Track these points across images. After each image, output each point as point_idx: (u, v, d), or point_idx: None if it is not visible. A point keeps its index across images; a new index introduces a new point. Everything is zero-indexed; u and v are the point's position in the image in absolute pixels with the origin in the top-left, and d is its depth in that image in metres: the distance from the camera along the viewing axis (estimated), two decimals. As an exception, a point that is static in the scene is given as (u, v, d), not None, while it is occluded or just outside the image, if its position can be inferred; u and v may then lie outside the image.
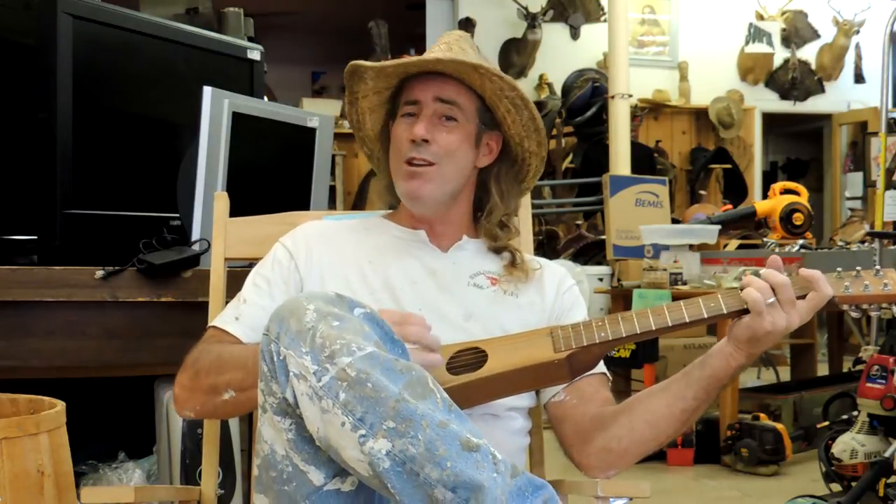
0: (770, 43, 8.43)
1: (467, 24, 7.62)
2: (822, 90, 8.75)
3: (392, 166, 1.53)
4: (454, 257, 1.55)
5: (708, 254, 4.84)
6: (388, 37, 8.17)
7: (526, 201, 1.73)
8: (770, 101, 8.65)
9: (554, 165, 7.29)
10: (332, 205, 7.25)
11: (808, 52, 8.69)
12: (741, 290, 1.34)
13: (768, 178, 9.17)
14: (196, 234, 2.02)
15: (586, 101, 7.09)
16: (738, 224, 6.02)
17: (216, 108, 2.04)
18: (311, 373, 1.15)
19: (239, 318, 1.47)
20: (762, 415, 4.11)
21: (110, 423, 2.36)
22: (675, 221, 6.09)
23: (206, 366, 1.39)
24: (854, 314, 1.39)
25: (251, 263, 1.59)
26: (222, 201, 1.72)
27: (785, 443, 3.92)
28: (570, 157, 7.39)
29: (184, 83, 2.26)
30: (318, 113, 2.41)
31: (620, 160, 6.09)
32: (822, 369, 5.71)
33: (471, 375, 1.34)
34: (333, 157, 6.42)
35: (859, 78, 8.73)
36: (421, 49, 6.43)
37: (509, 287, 1.54)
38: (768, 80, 8.60)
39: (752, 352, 1.36)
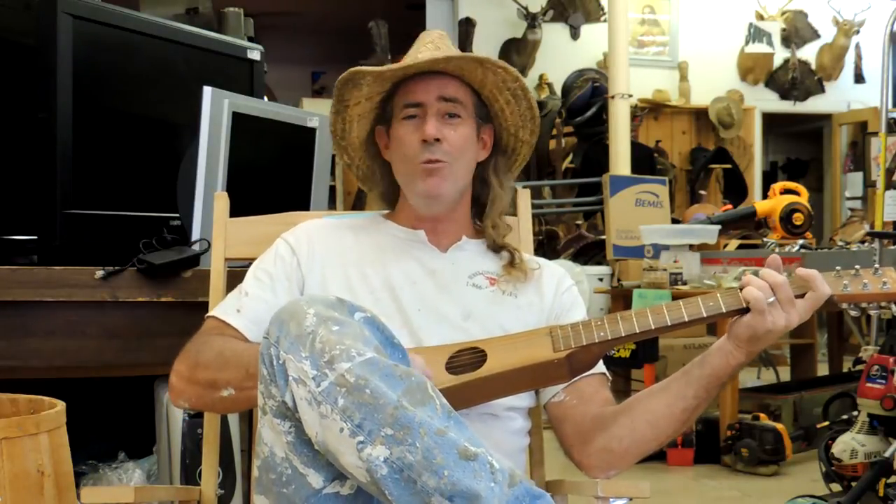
0: (770, 43, 8.44)
1: (467, 24, 7.62)
2: (822, 90, 8.75)
3: (401, 170, 1.53)
4: (453, 257, 1.55)
5: (708, 254, 4.84)
6: (388, 37, 8.16)
7: (526, 202, 1.74)
8: (770, 101, 8.66)
9: (554, 165, 7.29)
10: (332, 205, 7.25)
11: (808, 52, 8.70)
12: (740, 289, 1.34)
13: (768, 178, 9.18)
14: (196, 234, 2.02)
15: (586, 101, 7.09)
16: (738, 224, 6.02)
17: (216, 108, 2.04)
18: (311, 378, 1.14)
19: (241, 311, 1.47)
20: (762, 415, 4.11)
21: (110, 423, 2.36)
22: (675, 221, 6.09)
23: (206, 360, 1.39)
24: (853, 313, 1.40)
25: (251, 263, 1.59)
26: (222, 201, 1.72)
27: (785, 443, 3.92)
28: (570, 157, 7.39)
29: (184, 83, 2.26)
30: (318, 113, 2.41)
31: (620, 160, 6.09)
32: (822, 369, 5.71)
33: (470, 375, 1.34)
34: (333, 157, 6.41)
35: (859, 78, 8.73)
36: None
37: (508, 287, 1.54)
38: (768, 80, 8.60)
39: (752, 350, 1.36)
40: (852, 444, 3.16)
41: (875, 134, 5.22)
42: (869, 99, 8.20)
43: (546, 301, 1.55)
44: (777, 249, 4.97)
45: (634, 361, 4.40)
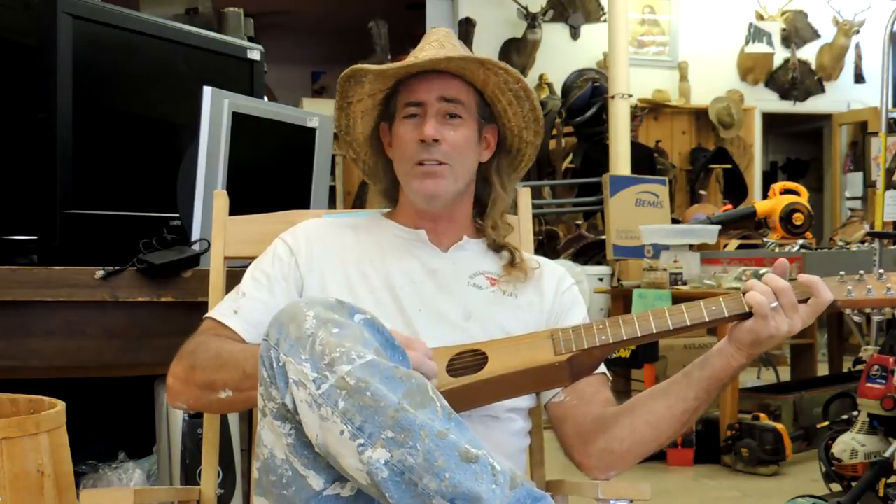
0: (770, 43, 8.44)
1: (467, 24, 7.62)
2: (822, 90, 8.75)
3: (400, 169, 1.52)
4: (454, 257, 1.55)
5: (708, 254, 4.84)
6: (388, 37, 8.16)
7: (526, 201, 1.74)
8: (770, 101, 8.66)
9: (554, 165, 7.29)
10: (332, 205, 7.25)
11: (808, 52, 8.70)
12: (743, 293, 1.34)
13: (768, 178, 9.18)
14: (196, 234, 2.01)
15: (586, 101, 7.09)
16: (738, 224, 6.02)
17: (216, 108, 2.04)
18: (311, 380, 1.14)
19: (238, 312, 1.47)
20: (762, 415, 4.11)
21: (110, 423, 2.36)
22: (675, 221, 6.09)
23: (204, 361, 1.39)
24: (856, 318, 1.39)
25: (251, 263, 1.59)
26: (221, 199, 1.71)
27: (785, 443, 3.92)
28: (570, 157, 7.39)
29: (184, 83, 2.26)
30: (318, 113, 2.41)
31: (620, 160, 6.09)
32: (822, 369, 5.71)
33: (471, 377, 1.34)
34: (333, 157, 6.41)
35: (859, 78, 8.73)
36: (421, 49, 6.40)
37: (508, 287, 1.54)
38: (768, 80, 8.60)
39: (754, 353, 1.36)
40: (852, 444, 3.16)
41: (875, 134, 5.22)
42: (869, 99, 8.20)
43: (546, 301, 1.55)
44: (777, 249, 4.97)
45: (634, 362, 4.41)
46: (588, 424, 1.46)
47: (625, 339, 1.35)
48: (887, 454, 2.99)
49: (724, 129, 8.24)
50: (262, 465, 1.24)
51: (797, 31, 8.63)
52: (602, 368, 1.52)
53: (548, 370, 1.35)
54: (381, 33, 8.13)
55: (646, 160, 6.94)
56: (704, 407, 1.42)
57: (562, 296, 1.57)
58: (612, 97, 6.19)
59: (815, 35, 8.66)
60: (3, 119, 2.15)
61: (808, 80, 8.68)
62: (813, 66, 8.69)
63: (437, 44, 1.50)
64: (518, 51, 7.76)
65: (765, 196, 6.59)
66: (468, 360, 1.37)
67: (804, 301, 1.33)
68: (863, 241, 5.43)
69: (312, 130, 2.35)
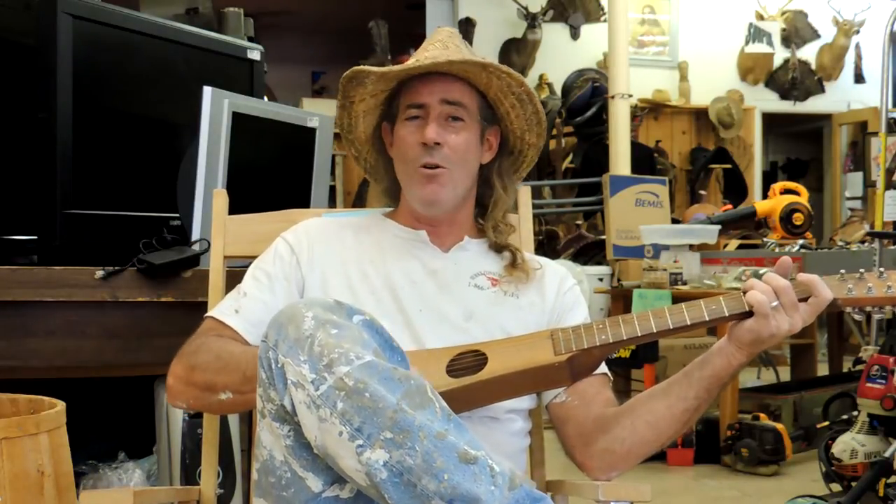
0: (770, 43, 8.44)
1: (467, 24, 7.62)
2: (822, 90, 8.75)
3: (402, 170, 1.52)
4: (455, 257, 1.55)
5: (708, 254, 4.84)
6: (388, 37, 8.17)
7: (527, 200, 1.74)
8: (770, 101, 8.66)
9: (554, 165, 7.29)
10: (332, 205, 7.25)
11: (808, 52, 8.70)
12: (743, 293, 1.34)
13: (768, 178, 9.18)
14: (196, 233, 2.01)
15: (586, 101, 7.09)
16: (738, 224, 6.02)
17: (216, 108, 2.04)
18: (309, 381, 1.14)
19: (239, 312, 1.46)
20: (762, 415, 4.11)
21: (110, 423, 2.36)
22: (675, 221, 6.09)
23: (204, 362, 1.39)
24: (857, 317, 1.39)
25: (251, 262, 1.59)
26: (221, 198, 1.71)
27: (785, 443, 3.92)
28: (570, 157, 7.39)
29: (184, 83, 2.26)
30: (318, 113, 2.41)
31: (620, 160, 6.09)
32: (822, 369, 5.71)
33: (471, 378, 1.34)
34: (333, 157, 6.42)
35: (859, 78, 8.73)
36: (421, 49, 6.40)
37: (510, 288, 1.53)
38: (768, 80, 8.60)
39: (754, 351, 1.36)
40: (852, 444, 3.16)
41: (875, 134, 5.22)
42: (869, 99, 8.20)
43: (548, 301, 1.55)
44: (777, 249, 4.97)
45: (634, 362, 4.41)
46: (589, 425, 1.46)
47: (625, 338, 1.35)
48: (887, 454, 2.99)
49: (724, 129, 8.24)
50: (261, 467, 1.23)
51: (797, 31, 8.63)
52: (603, 369, 1.52)
53: (548, 370, 1.35)
54: (381, 33, 8.13)
55: (646, 160, 6.94)
56: (705, 406, 1.42)
57: (563, 296, 1.57)
58: (612, 97, 6.19)
59: (815, 35, 8.66)
60: (3, 119, 2.15)
61: (808, 80, 8.68)
62: (813, 66, 8.69)
63: (440, 44, 1.50)
64: (518, 51, 7.76)
65: (765, 196, 6.59)
66: (468, 360, 1.37)
67: (804, 300, 1.33)
68: (863, 241, 5.43)
69: (312, 130, 2.35)
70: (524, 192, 1.73)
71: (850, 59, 8.69)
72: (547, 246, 6.68)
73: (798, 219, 5.32)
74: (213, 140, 2.04)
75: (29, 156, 2.03)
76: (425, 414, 1.13)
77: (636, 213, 5.48)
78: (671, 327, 1.35)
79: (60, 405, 1.60)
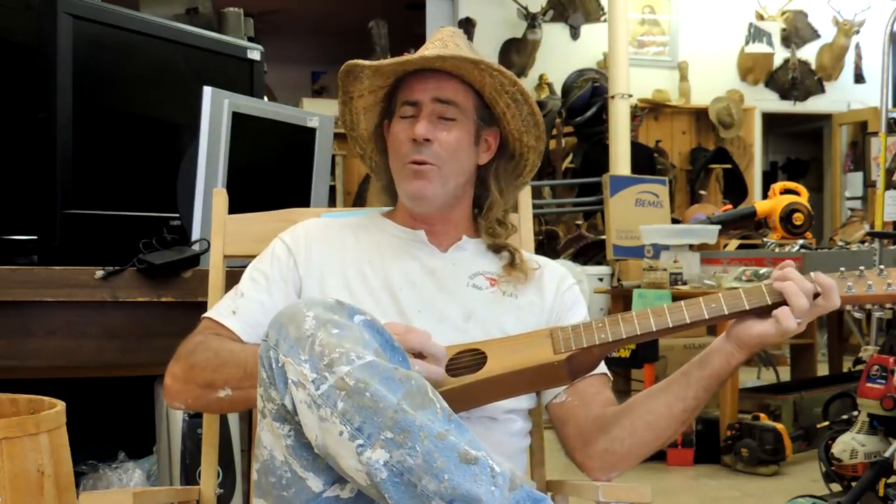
0: (770, 43, 8.44)
1: (467, 24, 7.62)
2: (822, 90, 8.75)
3: (393, 167, 1.52)
4: (453, 257, 1.55)
5: (708, 254, 4.84)
6: (388, 37, 8.17)
7: (527, 200, 1.73)
8: (770, 101, 8.66)
9: (554, 165, 7.29)
10: (331, 205, 7.25)
11: (808, 52, 8.70)
12: (771, 283, 1.32)
13: (768, 178, 9.18)
14: (196, 233, 2.01)
15: (586, 101, 7.09)
16: (738, 224, 6.02)
17: (216, 108, 2.04)
18: (310, 381, 1.14)
19: (236, 313, 1.46)
20: (762, 415, 4.11)
21: (110, 423, 2.36)
22: (675, 221, 6.09)
23: (203, 361, 1.39)
24: (857, 314, 1.39)
25: (250, 262, 1.58)
26: (221, 198, 1.71)
27: (785, 443, 3.92)
28: (570, 157, 7.39)
29: (184, 83, 2.26)
30: (318, 113, 2.41)
31: (620, 160, 6.09)
32: (822, 369, 5.71)
33: (470, 377, 1.34)
34: (333, 157, 6.42)
35: (859, 78, 8.73)
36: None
37: (508, 288, 1.53)
38: (768, 80, 8.60)
39: (754, 350, 1.36)
40: (852, 444, 3.16)
41: (875, 134, 5.22)
42: (869, 99, 8.20)
43: (547, 301, 1.55)
44: (777, 249, 4.97)
45: (634, 361, 4.40)
46: (589, 425, 1.46)
47: (624, 337, 1.35)
48: (887, 454, 2.99)
49: (724, 129, 8.25)
50: (261, 467, 1.23)
51: (797, 31, 8.63)
52: (603, 368, 1.51)
53: (547, 369, 1.35)
54: (381, 33, 8.14)
55: (646, 160, 6.95)
56: (703, 405, 1.42)
57: (562, 295, 1.57)
58: (612, 97, 6.19)
59: (815, 35, 8.67)
60: (3, 119, 2.15)
61: (808, 80, 8.68)
62: (813, 66, 8.69)
63: (440, 43, 1.50)
64: (518, 51, 7.76)
65: (765, 196, 6.59)
66: (467, 359, 1.37)
67: None
68: (863, 241, 5.43)
69: (312, 130, 2.35)
70: (524, 193, 1.73)
71: (850, 59, 8.69)
72: (547, 246, 6.68)
73: (798, 219, 5.32)
74: (213, 140, 2.04)
75: (29, 156, 2.03)
76: (426, 414, 1.13)
77: (636, 213, 5.48)
78: (670, 325, 1.35)
79: (60, 405, 1.60)
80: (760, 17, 8.48)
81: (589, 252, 6.41)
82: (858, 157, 8.42)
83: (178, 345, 1.44)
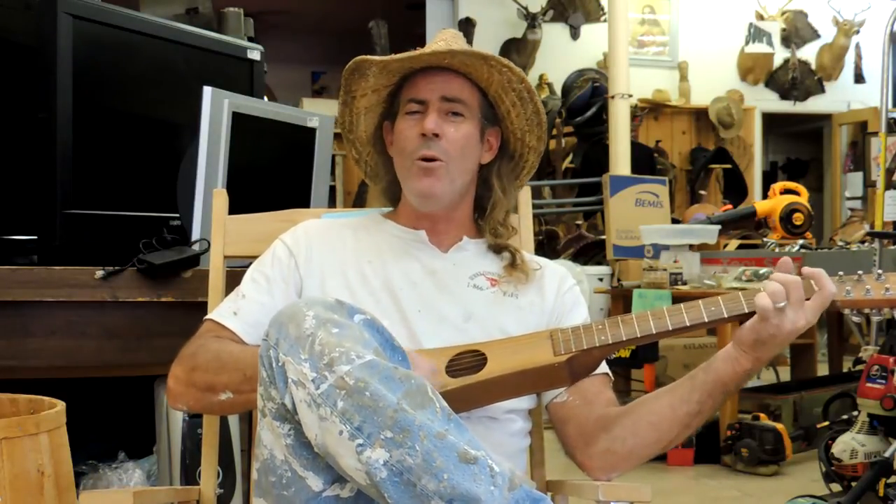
0: (770, 43, 8.44)
1: (467, 24, 7.62)
2: (822, 90, 8.75)
3: (400, 165, 1.52)
4: (454, 258, 1.54)
5: (708, 254, 4.84)
6: (388, 37, 8.17)
7: (527, 201, 1.73)
8: (770, 101, 8.66)
9: (554, 165, 7.29)
10: (332, 205, 7.25)
11: (808, 52, 8.70)
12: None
13: (768, 178, 9.18)
14: (196, 233, 2.01)
15: (586, 101, 7.09)
16: (738, 224, 6.02)
17: (216, 108, 2.04)
18: (310, 380, 1.14)
19: (237, 314, 1.47)
20: (762, 415, 4.11)
21: (110, 423, 2.36)
22: (675, 221, 6.09)
23: (204, 363, 1.39)
24: (855, 319, 1.39)
25: (251, 262, 1.59)
26: (221, 198, 1.71)
27: (785, 443, 3.92)
28: (570, 157, 7.39)
29: (184, 83, 2.26)
30: (318, 113, 2.41)
31: (620, 160, 6.09)
32: (822, 369, 5.71)
33: (470, 378, 1.34)
34: (333, 157, 6.42)
35: (859, 78, 8.73)
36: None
37: (509, 288, 1.53)
38: (768, 80, 8.60)
39: (759, 356, 1.33)
40: (852, 444, 3.16)
41: (875, 134, 5.22)
42: (869, 99, 8.20)
43: (548, 301, 1.55)
44: (777, 249, 4.97)
45: (634, 361, 4.41)
46: (590, 425, 1.45)
47: (624, 339, 1.35)
48: (887, 454, 2.99)
49: (724, 129, 8.25)
50: (261, 466, 1.24)
51: (797, 31, 8.63)
52: (604, 368, 1.51)
53: (547, 371, 1.35)
54: (381, 33, 8.13)
55: (646, 160, 6.95)
56: (708, 412, 1.40)
57: (563, 296, 1.56)
58: (612, 97, 6.19)
59: (815, 35, 8.66)
60: (3, 119, 2.15)
61: (808, 80, 8.68)
62: (813, 66, 8.69)
63: (443, 43, 1.50)
64: (518, 51, 7.76)
65: (765, 196, 6.59)
66: (467, 360, 1.37)
67: (807, 298, 1.32)
68: (863, 241, 5.43)
69: (312, 130, 2.35)
70: (524, 193, 1.73)
71: (850, 59, 8.69)
72: (547, 246, 6.68)
73: (798, 219, 5.32)
74: (213, 140, 2.04)
75: (29, 156, 2.03)
76: (426, 413, 1.13)
77: (636, 213, 5.48)
78: (670, 328, 1.34)
79: (60, 405, 1.60)
80: (760, 17, 8.48)
81: (589, 252, 6.41)
82: (858, 157, 8.43)
83: (178, 345, 1.44)
